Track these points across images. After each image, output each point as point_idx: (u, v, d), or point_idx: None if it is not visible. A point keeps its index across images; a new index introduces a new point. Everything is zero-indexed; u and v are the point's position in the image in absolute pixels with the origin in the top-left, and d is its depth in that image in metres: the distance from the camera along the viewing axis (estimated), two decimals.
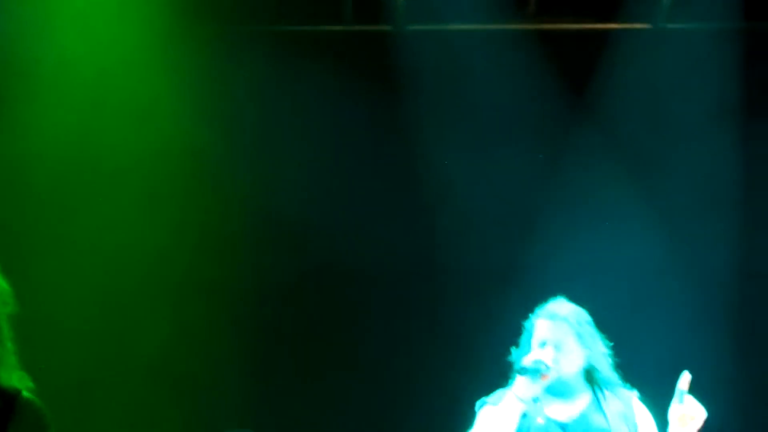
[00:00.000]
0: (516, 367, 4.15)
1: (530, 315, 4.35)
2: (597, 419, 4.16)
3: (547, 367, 4.12)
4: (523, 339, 4.33)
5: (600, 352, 4.32)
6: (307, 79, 6.02)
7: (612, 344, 4.37)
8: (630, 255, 5.85)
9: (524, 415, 4.12)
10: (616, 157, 5.96)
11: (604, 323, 4.41)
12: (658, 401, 4.34)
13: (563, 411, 4.18)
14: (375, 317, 6.15)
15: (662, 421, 4.26)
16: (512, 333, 4.32)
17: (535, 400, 4.16)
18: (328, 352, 6.14)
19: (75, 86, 5.84)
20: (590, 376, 4.30)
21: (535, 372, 4.11)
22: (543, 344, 4.24)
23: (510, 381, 4.19)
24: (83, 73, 5.84)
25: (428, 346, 6.04)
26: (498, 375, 4.22)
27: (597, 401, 4.22)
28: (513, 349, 4.34)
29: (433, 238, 6.16)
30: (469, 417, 4.18)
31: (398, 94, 6.08)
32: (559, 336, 4.27)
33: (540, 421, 4.12)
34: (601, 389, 4.28)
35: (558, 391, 4.22)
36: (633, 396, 4.30)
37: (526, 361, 4.16)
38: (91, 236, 5.87)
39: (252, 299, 6.09)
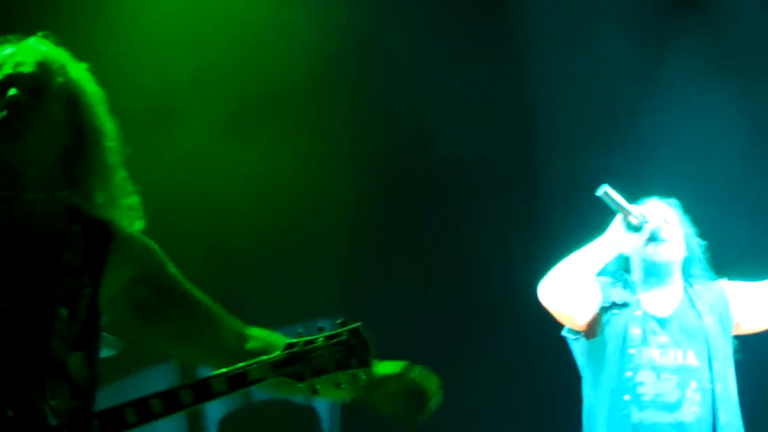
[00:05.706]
0: (624, 223, 4.13)
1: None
2: (690, 315, 4.17)
3: (646, 220, 4.13)
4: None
5: (698, 244, 4.34)
6: None
7: (705, 242, 4.38)
8: (724, 160, 5.75)
9: (626, 305, 4.16)
10: (720, 64, 5.83)
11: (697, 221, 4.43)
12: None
13: (659, 306, 4.19)
14: (472, 209, 6.17)
15: None
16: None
17: (632, 289, 4.17)
18: (425, 239, 6.20)
19: None
20: (686, 268, 4.31)
21: (638, 228, 4.12)
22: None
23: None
24: None
25: (519, 242, 6.03)
26: None
27: (689, 297, 4.22)
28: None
29: (534, 140, 6.13)
30: None
31: None
32: (668, 215, 4.29)
33: (638, 313, 4.13)
34: (691, 284, 4.28)
35: (657, 273, 4.23)
36: (721, 282, 4.30)
37: (634, 211, 4.13)
38: None
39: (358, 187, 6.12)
